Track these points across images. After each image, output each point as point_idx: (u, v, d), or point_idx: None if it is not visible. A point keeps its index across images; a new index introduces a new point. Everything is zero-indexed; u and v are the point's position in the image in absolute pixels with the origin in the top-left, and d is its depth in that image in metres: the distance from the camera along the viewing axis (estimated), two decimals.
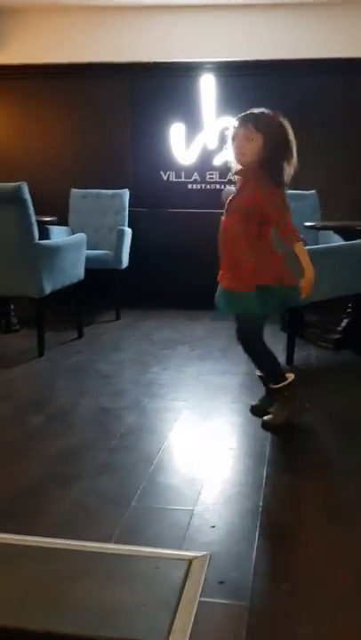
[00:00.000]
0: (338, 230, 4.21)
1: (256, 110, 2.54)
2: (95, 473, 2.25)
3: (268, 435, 2.61)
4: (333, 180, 5.35)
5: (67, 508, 2.00)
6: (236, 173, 2.62)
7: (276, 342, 4.17)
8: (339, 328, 4.19)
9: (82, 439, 2.58)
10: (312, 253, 3.68)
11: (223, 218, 2.65)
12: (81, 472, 2.26)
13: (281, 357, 3.81)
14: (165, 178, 5.59)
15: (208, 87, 5.31)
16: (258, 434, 2.65)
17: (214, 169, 5.42)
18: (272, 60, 5.18)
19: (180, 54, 5.33)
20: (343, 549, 1.75)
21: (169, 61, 5.34)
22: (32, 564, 1.62)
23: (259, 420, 2.79)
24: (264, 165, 2.50)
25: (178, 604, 1.39)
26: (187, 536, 1.81)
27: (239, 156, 2.53)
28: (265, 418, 2.72)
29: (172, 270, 5.42)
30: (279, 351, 3.94)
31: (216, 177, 5.44)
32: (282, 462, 2.38)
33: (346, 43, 5.13)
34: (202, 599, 1.46)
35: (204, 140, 5.39)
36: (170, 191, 5.58)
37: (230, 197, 2.63)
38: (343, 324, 4.18)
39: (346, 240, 4.10)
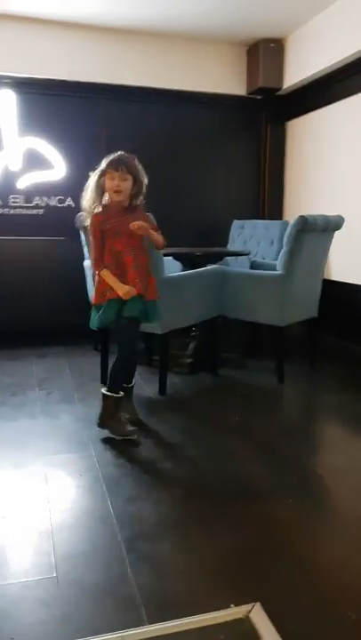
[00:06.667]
0: (177, 257, 4.20)
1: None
2: None
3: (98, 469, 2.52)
4: (171, 207, 5.31)
5: None
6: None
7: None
8: (187, 352, 4.23)
9: None
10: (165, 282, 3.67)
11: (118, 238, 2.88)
12: None
13: (152, 389, 3.68)
14: None
15: (7, 103, 4.88)
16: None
17: (19, 192, 5.00)
18: (77, 82, 4.98)
19: None
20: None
21: None
22: None
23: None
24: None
25: None
26: None
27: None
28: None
29: None
30: (150, 383, 3.74)
31: (21, 201, 5.01)
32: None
33: (154, 73, 5.18)
34: None
35: (6, 160, 4.91)
36: None
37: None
38: (191, 347, 4.23)
39: (184, 266, 4.15)
